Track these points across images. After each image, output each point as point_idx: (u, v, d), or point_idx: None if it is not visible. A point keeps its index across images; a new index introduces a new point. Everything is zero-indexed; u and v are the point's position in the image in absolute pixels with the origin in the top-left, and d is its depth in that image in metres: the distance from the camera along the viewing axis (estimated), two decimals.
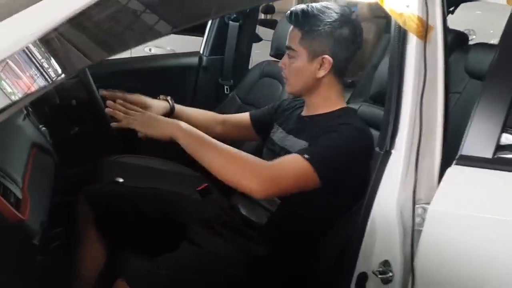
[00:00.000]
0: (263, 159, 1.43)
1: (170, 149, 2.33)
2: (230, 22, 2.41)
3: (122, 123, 1.24)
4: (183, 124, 1.22)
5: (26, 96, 0.75)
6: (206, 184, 1.82)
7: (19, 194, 1.00)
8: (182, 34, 3.66)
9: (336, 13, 1.29)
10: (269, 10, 5.17)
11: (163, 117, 1.29)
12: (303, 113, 1.41)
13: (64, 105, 1.83)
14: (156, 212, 1.50)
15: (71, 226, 1.54)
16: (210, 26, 2.46)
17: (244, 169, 1.15)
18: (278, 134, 1.44)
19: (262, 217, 1.35)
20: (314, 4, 1.31)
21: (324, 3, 1.31)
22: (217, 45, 2.43)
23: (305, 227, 1.30)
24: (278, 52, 2.06)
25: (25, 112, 1.34)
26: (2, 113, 0.72)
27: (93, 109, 1.80)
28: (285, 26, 1.87)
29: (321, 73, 1.30)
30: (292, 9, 1.33)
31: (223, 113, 2.25)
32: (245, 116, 1.59)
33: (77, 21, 0.73)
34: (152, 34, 0.80)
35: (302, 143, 1.30)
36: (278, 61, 2.14)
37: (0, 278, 0.89)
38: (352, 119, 1.32)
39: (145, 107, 1.38)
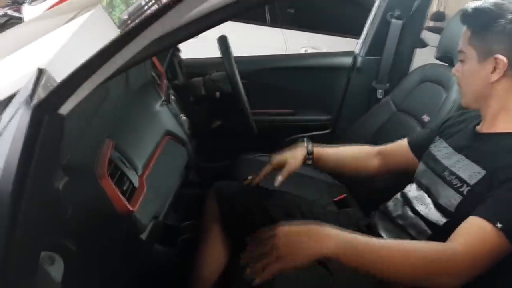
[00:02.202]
0: (419, 177, 1.25)
1: None
2: (393, 20, 2.16)
3: (264, 276, 0.94)
4: (331, 233, 0.94)
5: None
6: (344, 195, 1.65)
7: (136, 182, 0.95)
8: (340, 36, 3.51)
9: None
10: (439, 17, 4.76)
11: (302, 231, 0.95)
12: (480, 129, 1.17)
13: (208, 97, 1.82)
14: (282, 218, 1.37)
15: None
16: (370, 24, 2.24)
17: (436, 267, 0.94)
18: (441, 149, 1.22)
19: None
20: (488, 0, 1.12)
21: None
22: (375, 45, 2.20)
23: None
24: (444, 54, 1.78)
25: (163, 97, 1.32)
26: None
27: (236, 104, 1.74)
28: (455, 26, 1.61)
29: (494, 76, 1.10)
30: (464, 7, 1.15)
31: (373, 119, 2.05)
32: (402, 143, 1.42)
33: None
34: None
35: (477, 170, 1.07)
36: (444, 65, 1.86)
37: (103, 268, 0.84)
38: None
39: (282, 165, 1.38)
